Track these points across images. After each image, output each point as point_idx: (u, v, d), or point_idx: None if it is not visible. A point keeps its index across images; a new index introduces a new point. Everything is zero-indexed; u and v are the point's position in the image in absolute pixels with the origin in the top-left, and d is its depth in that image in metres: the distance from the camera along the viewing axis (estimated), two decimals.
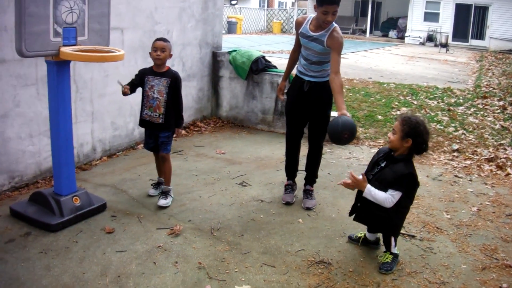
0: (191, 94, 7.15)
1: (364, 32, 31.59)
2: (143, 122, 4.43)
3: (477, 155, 6.27)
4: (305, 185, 4.71)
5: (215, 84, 7.61)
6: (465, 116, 8.11)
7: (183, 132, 4.39)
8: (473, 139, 6.93)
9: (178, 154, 5.93)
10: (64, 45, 3.69)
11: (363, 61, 15.07)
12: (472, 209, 4.65)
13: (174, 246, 3.70)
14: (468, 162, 6.05)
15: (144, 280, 3.24)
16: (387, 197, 3.32)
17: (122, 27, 5.60)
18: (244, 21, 31.20)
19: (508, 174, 5.64)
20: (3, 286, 3.10)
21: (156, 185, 4.70)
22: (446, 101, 9.04)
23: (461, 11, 27.47)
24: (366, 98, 8.81)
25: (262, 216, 4.32)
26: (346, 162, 5.88)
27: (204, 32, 7.23)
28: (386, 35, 31.36)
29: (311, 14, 4.36)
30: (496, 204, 4.81)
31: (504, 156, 6.21)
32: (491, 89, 10.70)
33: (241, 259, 3.57)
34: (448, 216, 4.47)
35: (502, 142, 6.82)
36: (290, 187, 4.73)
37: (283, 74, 4.84)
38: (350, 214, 3.74)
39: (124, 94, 4.22)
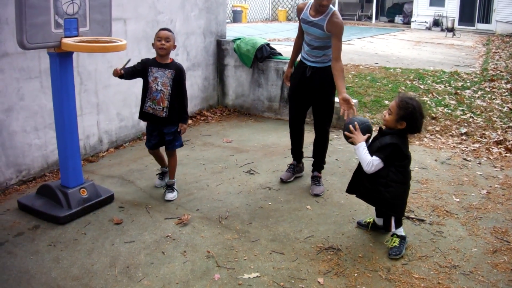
0: (197, 84, 7.13)
1: (370, 18, 31.27)
2: (144, 115, 4.27)
3: (485, 138, 6.21)
4: (313, 171, 4.71)
5: (220, 73, 7.57)
6: (472, 100, 8.03)
7: (186, 127, 4.30)
8: (481, 122, 6.86)
9: (185, 143, 5.90)
10: (65, 37, 3.67)
11: (369, 47, 14.95)
12: (481, 192, 4.61)
13: (182, 236, 3.69)
14: (477, 145, 6.00)
15: (153, 270, 3.23)
16: (368, 161, 3.42)
17: (124, 18, 5.57)
18: (249, 10, 31.01)
19: None
20: (13, 279, 3.11)
21: (161, 175, 4.65)
22: (453, 85, 8.95)
23: None
24: (373, 83, 8.75)
25: (270, 203, 4.30)
26: (353, 147, 5.82)
27: (207, 21, 7.18)
28: (392, 21, 31.06)
29: (311, 0, 4.33)
30: (506, 186, 4.76)
31: None
32: (498, 72, 10.58)
33: (249, 247, 3.56)
34: (458, 200, 4.43)
35: (511, 124, 6.75)
36: (291, 166, 4.86)
37: (288, 61, 4.87)
38: (347, 190, 3.80)
39: (116, 75, 3.96)
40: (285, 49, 9.30)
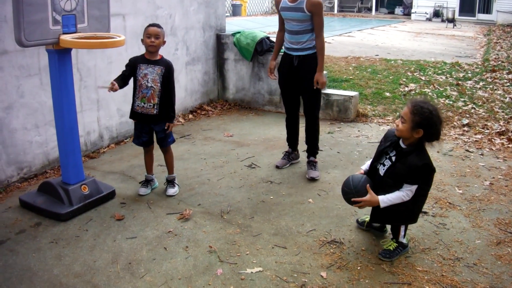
0: (197, 78, 7.10)
1: (369, 9, 31.16)
2: (135, 115, 4.16)
3: (487, 129, 6.18)
4: (308, 157, 4.89)
5: (220, 67, 7.55)
6: (474, 90, 8.00)
7: (173, 126, 4.25)
8: (483, 113, 6.83)
9: (185, 138, 5.91)
10: (64, 33, 3.65)
11: (370, 39, 14.89)
12: (484, 183, 4.59)
13: (184, 231, 3.68)
14: (479, 136, 5.98)
15: (155, 266, 3.23)
16: (403, 195, 3.14)
17: (123, 13, 5.54)
18: (249, 3, 30.90)
19: None
20: (15, 277, 3.11)
21: (146, 183, 4.44)
22: (454, 76, 8.91)
23: None
24: (374, 75, 8.71)
25: (272, 197, 4.29)
26: (355, 140, 5.82)
27: (207, 15, 7.15)
28: (392, 12, 30.95)
29: None
30: (509, 177, 4.74)
31: None
32: (499, 62, 10.53)
33: (252, 241, 3.55)
34: (461, 191, 4.42)
35: None
36: (286, 154, 5.09)
37: None
38: (367, 226, 3.69)
39: (113, 91, 3.91)
40: None
